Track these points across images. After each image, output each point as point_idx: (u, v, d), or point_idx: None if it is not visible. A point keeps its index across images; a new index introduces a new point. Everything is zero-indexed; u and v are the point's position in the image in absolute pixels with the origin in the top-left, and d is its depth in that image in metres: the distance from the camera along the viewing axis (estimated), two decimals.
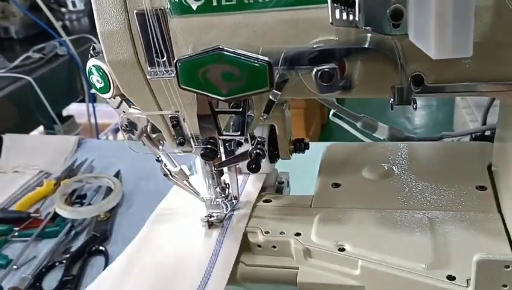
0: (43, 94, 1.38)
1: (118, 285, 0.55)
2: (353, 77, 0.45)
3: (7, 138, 1.13)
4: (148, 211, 0.66)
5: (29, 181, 0.95)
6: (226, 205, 0.60)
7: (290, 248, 0.54)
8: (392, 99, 0.45)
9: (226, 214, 0.60)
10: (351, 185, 0.62)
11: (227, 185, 0.61)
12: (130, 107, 0.56)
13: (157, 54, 0.48)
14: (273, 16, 0.44)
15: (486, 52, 0.41)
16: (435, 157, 0.66)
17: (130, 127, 0.57)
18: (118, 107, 0.56)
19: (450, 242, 0.50)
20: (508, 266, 0.42)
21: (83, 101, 1.68)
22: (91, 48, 0.52)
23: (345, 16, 0.40)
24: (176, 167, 0.60)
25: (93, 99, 1.68)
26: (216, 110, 0.48)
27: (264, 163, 0.60)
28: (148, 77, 0.49)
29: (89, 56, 0.52)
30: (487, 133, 0.73)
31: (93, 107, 1.68)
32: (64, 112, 1.81)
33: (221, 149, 0.55)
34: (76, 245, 0.77)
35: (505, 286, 0.43)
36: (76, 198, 0.89)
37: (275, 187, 0.68)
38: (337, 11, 0.40)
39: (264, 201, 0.63)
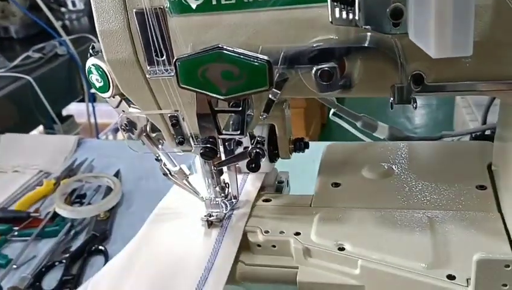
0: (42, 94, 1.38)
1: (117, 284, 0.55)
2: (353, 76, 0.45)
3: (7, 137, 1.13)
4: (148, 210, 0.66)
5: (29, 181, 0.95)
6: (226, 205, 0.60)
7: (290, 247, 0.54)
8: (392, 99, 0.45)
9: (225, 214, 0.60)
10: (350, 185, 0.62)
11: (227, 185, 0.61)
12: (129, 106, 0.56)
13: (157, 53, 0.48)
14: (272, 14, 0.44)
15: (487, 51, 0.41)
16: (435, 156, 0.66)
17: (130, 126, 0.57)
18: (118, 106, 0.56)
19: (450, 241, 0.50)
20: (508, 266, 0.42)
21: (82, 100, 1.68)
22: (90, 47, 0.52)
23: (344, 15, 0.40)
24: (176, 166, 0.60)
25: (93, 99, 1.68)
26: (215, 109, 0.48)
27: (264, 162, 0.60)
28: (147, 76, 0.49)
29: (88, 55, 0.52)
30: (487, 132, 0.73)
31: (93, 107, 1.68)
32: (64, 112, 1.81)
33: (221, 148, 0.55)
34: (76, 245, 0.77)
35: (505, 285, 0.43)
36: (76, 198, 0.89)
37: (275, 186, 0.67)
38: (337, 10, 0.40)
39: (263, 200, 0.63)
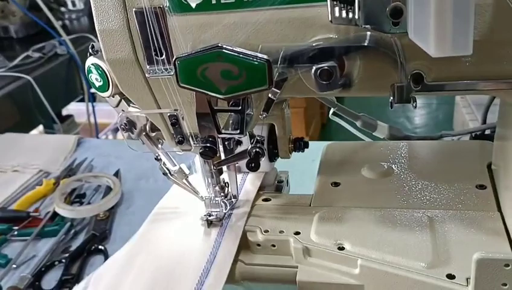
0: (42, 93, 1.39)
1: (116, 283, 0.55)
2: (353, 75, 0.45)
3: (7, 137, 1.13)
4: (148, 210, 0.66)
5: (28, 180, 0.95)
6: (225, 204, 0.60)
7: (290, 246, 0.53)
8: (391, 98, 0.45)
9: (225, 213, 0.60)
10: (350, 184, 0.62)
11: (227, 184, 0.61)
12: (129, 105, 0.56)
13: (156, 52, 0.48)
14: (272, 14, 0.44)
15: (487, 51, 0.41)
16: (434, 156, 0.66)
17: (129, 125, 0.57)
18: (117, 105, 0.56)
19: (449, 241, 0.50)
20: (507, 265, 0.42)
21: (82, 100, 1.68)
22: (90, 47, 0.52)
23: (344, 14, 0.40)
24: (175, 165, 0.59)
25: (93, 98, 1.68)
26: (215, 108, 0.48)
27: (264, 162, 0.59)
28: (147, 75, 0.49)
29: (88, 54, 0.52)
30: (487, 132, 0.73)
31: (93, 107, 1.68)
32: (64, 112, 1.81)
33: (221, 148, 0.55)
34: (75, 244, 0.77)
35: (505, 284, 0.43)
36: (76, 197, 0.89)
37: (274, 186, 0.67)
38: (337, 9, 0.40)
39: (263, 200, 0.62)
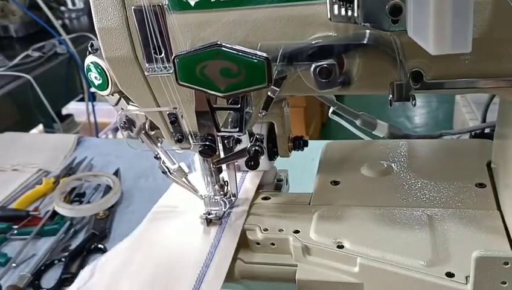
0: (42, 93, 1.39)
1: (115, 281, 0.54)
2: (352, 73, 0.45)
3: (7, 136, 1.13)
4: (147, 209, 0.66)
5: (28, 179, 0.95)
6: (225, 203, 0.60)
7: (289, 245, 0.53)
8: (391, 96, 0.45)
9: (224, 212, 0.60)
10: (350, 183, 0.61)
11: (226, 183, 0.61)
12: (128, 104, 0.56)
13: (155, 50, 0.48)
14: (271, 11, 0.44)
15: (486, 48, 0.41)
16: (434, 154, 0.66)
17: (129, 124, 0.57)
18: (116, 104, 0.56)
19: (449, 239, 0.50)
20: (507, 263, 0.42)
21: (82, 100, 1.68)
22: (89, 45, 0.52)
23: (343, 12, 0.39)
24: (175, 164, 0.59)
25: (93, 98, 1.68)
26: (214, 106, 0.48)
27: (263, 160, 0.59)
28: (146, 73, 0.49)
29: (87, 53, 0.52)
30: (487, 130, 0.73)
31: (93, 106, 1.68)
32: (64, 111, 1.81)
33: (220, 146, 0.55)
34: (75, 243, 0.77)
35: (504, 282, 0.43)
36: (76, 196, 0.89)
37: (274, 185, 0.67)
38: (336, 7, 0.39)
39: (262, 198, 0.62)
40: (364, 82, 0.46)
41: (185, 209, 0.63)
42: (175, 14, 0.46)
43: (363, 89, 0.47)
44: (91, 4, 0.48)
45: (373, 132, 0.72)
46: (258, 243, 0.56)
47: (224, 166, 0.60)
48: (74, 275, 0.70)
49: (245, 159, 0.54)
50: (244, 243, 0.56)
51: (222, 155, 0.57)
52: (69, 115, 1.83)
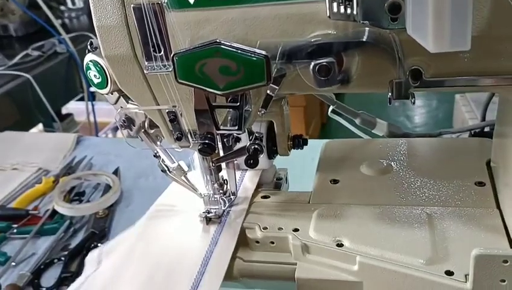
0: (42, 92, 1.39)
1: (114, 279, 0.54)
2: (351, 71, 0.45)
3: (6, 135, 1.13)
4: (147, 208, 0.66)
5: (28, 178, 0.95)
6: (224, 201, 0.60)
7: (288, 243, 0.53)
8: (390, 94, 0.45)
9: (224, 210, 0.60)
10: (349, 181, 0.61)
11: (225, 181, 0.61)
12: (127, 102, 0.56)
13: (155, 48, 0.48)
14: (270, 9, 0.44)
15: (485, 46, 0.41)
16: (433, 153, 0.66)
17: (128, 122, 0.56)
18: (116, 102, 0.56)
19: (448, 238, 0.50)
20: (506, 261, 0.42)
21: (82, 99, 1.68)
22: (88, 43, 0.52)
23: (342, 10, 0.39)
24: (174, 162, 0.59)
25: (93, 97, 1.68)
26: (213, 104, 0.48)
27: (263, 159, 0.59)
28: (145, 71, 0.49)
29: (87, 51, 0.52)
30: (486, 129, 0.73)
31: (93, 106, 1.68)
32: (64, 110, 1.81)
33: (219, 145, 0.55)
34: (75, 242, 0.77)
35: (503, 281, 0.43)
36: (75, 195, 0.89)
37: (273, 183, 0.67)
38: (335, 5, 0.39)
39: (262, 197, 0.62)
40: (363, 80, 0.46)
41: (185, 207, 0.63)
42: (174, 12, 0.45)
43: (362, 87, 0.47)
44: (90, 2, 0.48)
45: (372, 131, 0.72)
46: (257, 242, 0.56)
47: (223, 164, 0.60)
48: (74, 274, 0.70)
49: (244, 157, 0.54)
50: (243, 242, 0.56)
51: (221, 153, 0.57)
52: (69, 114, 1.83)
